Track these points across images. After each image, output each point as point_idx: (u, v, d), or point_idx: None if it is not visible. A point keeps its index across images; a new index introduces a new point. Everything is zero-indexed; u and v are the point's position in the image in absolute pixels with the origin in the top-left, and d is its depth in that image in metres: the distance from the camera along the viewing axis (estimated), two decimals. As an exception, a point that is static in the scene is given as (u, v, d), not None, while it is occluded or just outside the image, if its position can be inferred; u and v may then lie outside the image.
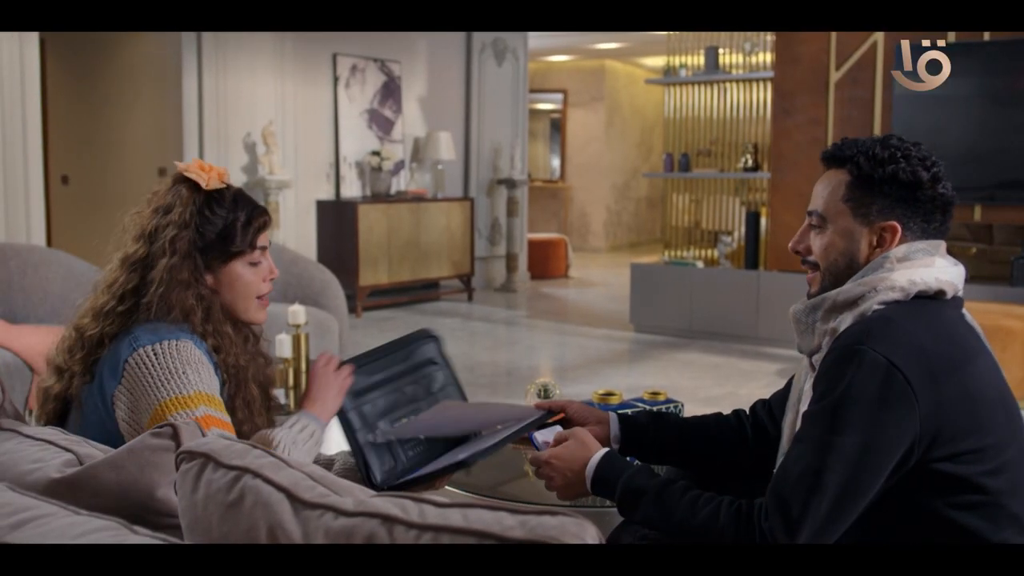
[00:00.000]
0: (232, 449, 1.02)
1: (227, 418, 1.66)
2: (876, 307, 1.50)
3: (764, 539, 1.41)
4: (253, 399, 1.81)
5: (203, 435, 1.46)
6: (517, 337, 7.22)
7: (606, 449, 1.68)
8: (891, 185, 1.55)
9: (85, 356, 1.72)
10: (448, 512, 0.83)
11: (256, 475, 0.96)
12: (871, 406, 1.40)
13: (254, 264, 1.79)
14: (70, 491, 1.11)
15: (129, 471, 1.12)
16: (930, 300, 1.53)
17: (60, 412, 1.78)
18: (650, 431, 1.89)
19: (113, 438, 1.63)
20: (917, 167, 1.54)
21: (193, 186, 1.78)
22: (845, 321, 1.53)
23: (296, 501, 0.92)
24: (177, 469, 1.06)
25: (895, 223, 1.56)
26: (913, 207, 1.56)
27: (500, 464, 2.83)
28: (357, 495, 0.93)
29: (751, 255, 6.83)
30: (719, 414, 1.95)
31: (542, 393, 2.89)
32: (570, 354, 6.65)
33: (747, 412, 1.92)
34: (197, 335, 1.73)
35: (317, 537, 0.87)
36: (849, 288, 1.55)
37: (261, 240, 1.81)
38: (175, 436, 1.15)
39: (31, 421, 3.79)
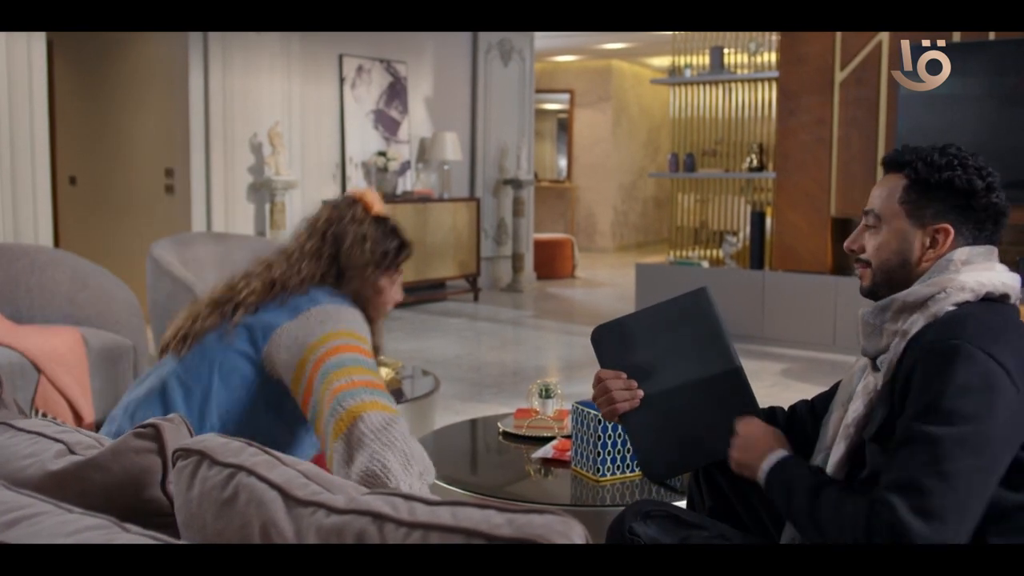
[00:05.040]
0: (227, 447, 1.03)
1: (380, 374, 1.92)
2: (949, 308, 1.54)
3: (900, 531, 1.38)
4: None
5: (367, 368, 1.84)
6: (523, 337, 7.23)
7: (791, 455, 1.68)
8: (946, 191, 1.60)
9: (262, 293, 2.04)
10: (437, 510, 0.83)
11: (250, 473, 0.97)
12: (977, 397, 1.43)
13: (393, 283, 2.21)
14: (61, 488, 1.12)
15: (114, 473, 1.13)
16: (997, 302, 1.58)
17: (198, 334, 2.05)
18: None
19: (248, 356, 1.96)
20: (973, 176, 1.60)
21: (367, 208, 2.19)
22: (917, 323, 1.56)
23: (289, 499, 0.93)
24: (173, 466, 1.07)
25: (948, 225, 1.61)
26: (966, 214, 1.61)
27: (504, 464, 2.84)
28: (349, 492, 0.93)
29: (756, 255, 6.82)
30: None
31: (544, 392, 2.91)
32: (577, 354, 6.65)
33: (785, 409, 1.94)
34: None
35: (309, 534, 0.88)
36: (918, 289, 1.59)
37: (403, 266, 2.23)
38: (157, 436, 1.16)
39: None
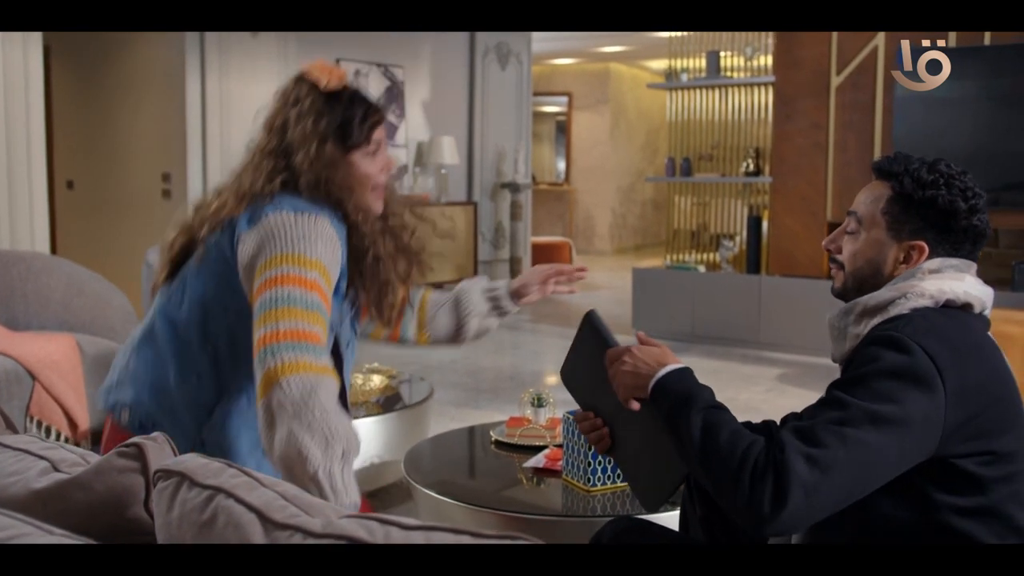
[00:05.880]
0: (207, 468, 1.03)
1: (324, 310, 1.72)
2: (905, 312, 1.56)
3: (782, 469, 1.39)
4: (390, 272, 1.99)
5: (300, 309, 1.64)
6: (521, 341, 7.23)
7: (686, 366, 1.64)
8: (928, 208, 1.61)
9: (233, 207, 1.86)
10: (412, 535, 0.84)
11: (229, 495, 0.98)
12: (899, 382, 1.44)
13: (371, 155, 1.94)
14: (44, 507, 1.12)
15: (97, 492, 1.13)
16: (958, 310, 1.58)
17: (179, 263, 1.92)
18: None
19: (226, 276, 1.80)
20: (957, 196, 1.60)
21: (314, 85, 1.89)
22: (872, 324, 1.58)
23: (267, 521, 0.94)
24: (154, 487, 1.07)
25: (923, 244, 1.62)
26: (944, 233, 1.62)
27: (495, 473, 2.85)
28: (327, 515, 0.94)
29: (753, 259, 6.83)
30: (748, 423, 1.96)
31: (536, 401, 2.93)
32: (572, 358, 6.65)
33: (776, 423, 1.94)
34: (339, 213, 1.86)
35: (286, 558, 0.89)
36: (881, 293, 1.61)
37: (376, 135, 1.96)
38: (140, 456, 1.16)
39: (31, 428, 3.79)
